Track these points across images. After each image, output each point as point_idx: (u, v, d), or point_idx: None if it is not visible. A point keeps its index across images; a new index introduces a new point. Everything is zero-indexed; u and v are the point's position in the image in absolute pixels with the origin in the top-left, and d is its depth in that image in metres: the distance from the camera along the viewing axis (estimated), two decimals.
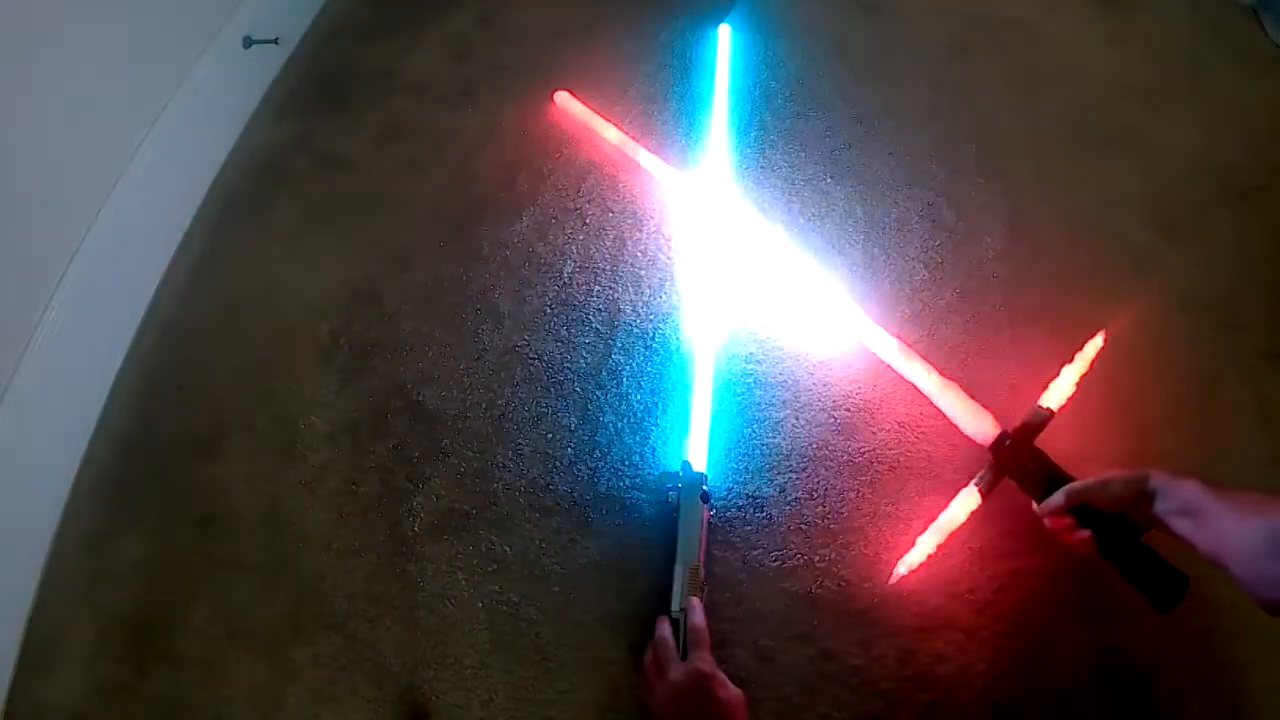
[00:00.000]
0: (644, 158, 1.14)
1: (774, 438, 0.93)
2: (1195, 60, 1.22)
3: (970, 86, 1.21)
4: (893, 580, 0.82)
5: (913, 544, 0.83)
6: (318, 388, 1.00)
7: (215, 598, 0.88)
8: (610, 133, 1.18)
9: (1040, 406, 0.84)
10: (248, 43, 1.23)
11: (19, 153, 0.86)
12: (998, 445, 0.83)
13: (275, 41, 1.29)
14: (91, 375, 1.01)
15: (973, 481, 0.82)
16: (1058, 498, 0.73)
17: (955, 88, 1.21)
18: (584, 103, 1.22)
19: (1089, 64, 1.22)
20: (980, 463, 0.83)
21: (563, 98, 1.24)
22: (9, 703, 0.84)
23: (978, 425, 0.86)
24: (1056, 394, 0.86)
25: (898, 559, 0.83)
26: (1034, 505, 0.77)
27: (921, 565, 0.82)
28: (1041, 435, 0.81)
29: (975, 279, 1.02)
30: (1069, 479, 0.75)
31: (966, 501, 0.82)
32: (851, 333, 0.98)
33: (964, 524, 0.82)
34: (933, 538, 0.82)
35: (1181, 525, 0.62)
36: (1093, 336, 0.90)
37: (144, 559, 0.91)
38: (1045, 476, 0.77)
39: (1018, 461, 0.80)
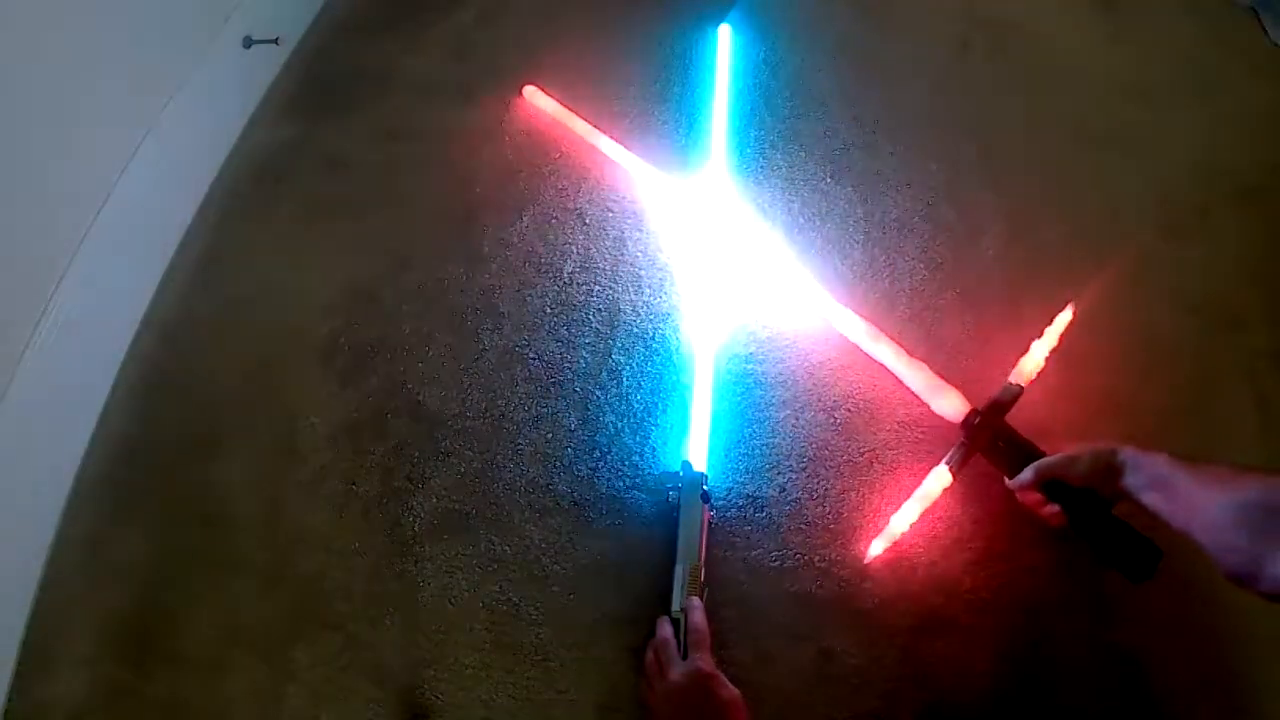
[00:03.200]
0: (644, 157, 1.14)
1: (774, 438, 0.93)
2: (1195, 60, 1.22)
3: (970, 86, 1.21)
4: (867, 559, 0.83)
5: (886, 523, 0.83)
6: (318, 388, 1.00)
7: (215, 598, 0.88)
8: (610, 132, 1.17)
9: (1010, 383, 0.84)
10: (248, 43, 1.23)
11: (19, 152, 0.86)
12: (968, 422, 0.83)
13: (275, 41, 1.28)
14: (91, 375, 1.01)
15: (944, 460, 0.82)
16: (1027, 474, 0.74)
17: (955, 88, 1.21)
18: (580, 101, 1.22)
19: (1089, 64, 1.22)
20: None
21: (531, 92, 1.23)
22: (9, 703, 0.84)
23: (947, 403, 0.86)
24: (1026, 369, 0.86)
25: (875, 541, 0.83)
26: (1005, 481, 0.78)
27: (894, 544, 0.83)
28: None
29: (975, 279, 1.02)
30: (1039, 454, 0.75)
31: (938, 480, 0.82)
32: (820, 313, 0.98)
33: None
34: (905, 517, 0.83)
35: (1151, 498, 0.63)
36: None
37: (144, 559, 0.91)
38: (1015, 452, 0.77)
39: (987, 438, 0.80)
